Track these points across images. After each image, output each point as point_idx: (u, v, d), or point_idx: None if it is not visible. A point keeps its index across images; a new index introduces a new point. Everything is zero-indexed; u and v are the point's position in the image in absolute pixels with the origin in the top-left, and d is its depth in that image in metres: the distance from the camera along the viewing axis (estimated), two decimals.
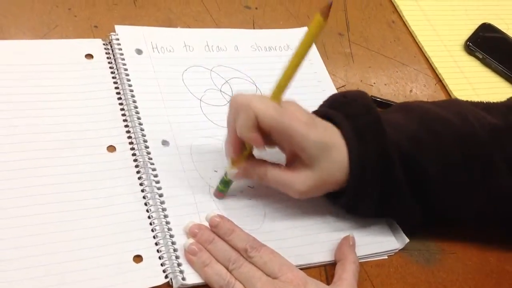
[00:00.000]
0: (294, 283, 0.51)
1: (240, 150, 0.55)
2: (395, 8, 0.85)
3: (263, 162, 0.56)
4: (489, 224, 0.61)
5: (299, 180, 0.54)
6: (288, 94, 0.61)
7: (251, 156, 0.56)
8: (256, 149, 0.54)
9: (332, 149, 0.53)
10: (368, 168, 0.54)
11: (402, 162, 0.55)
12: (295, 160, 0.55)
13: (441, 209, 0.58)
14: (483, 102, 0.64)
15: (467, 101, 0.64)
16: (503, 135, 0.58)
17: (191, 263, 0.52)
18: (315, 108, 0.60)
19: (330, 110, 0.56)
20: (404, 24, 0.83)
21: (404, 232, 0.60)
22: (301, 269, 0.55)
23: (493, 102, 0.64)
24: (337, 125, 0.55)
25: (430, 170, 0.55)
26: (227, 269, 0.52)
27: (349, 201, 0.56)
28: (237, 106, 0.52)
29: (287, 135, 0.52)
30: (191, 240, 0.53)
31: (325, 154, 0.53)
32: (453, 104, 0.62)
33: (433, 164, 0.56)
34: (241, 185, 0.59)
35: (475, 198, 0.57)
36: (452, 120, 0.58)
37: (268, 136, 0.53)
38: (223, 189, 0.57)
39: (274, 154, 0.57)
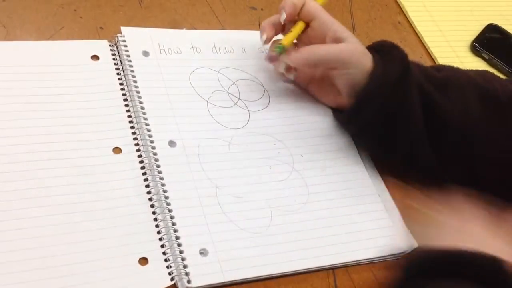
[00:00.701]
0: None
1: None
2: (401, 9, 0.84)
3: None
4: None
5: (344, 45, 0.62)
6: (299, 98, 0.61)
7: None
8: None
9: (362, 50, 0.63)
10: (384, 85, 0.60)
11: (424, 102, 0.61)
12: (332, 73, 0.64)
13: (456, 157, 0.61)
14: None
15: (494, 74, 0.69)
16: None
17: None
18: (324, 116, 0.67)
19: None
20: (410, 25, 0.83)
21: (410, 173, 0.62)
22: (307, 272, 0.55)
23: None
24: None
25: (450, 114, 0.61)
26: None
27: (358, 109, 0.62)
28: None
29: (328, 20, 0.63)
30: None
31: (364, 57, 0.62)
32: (482, 72, 0.69)
33: (455, 109, 0.61)
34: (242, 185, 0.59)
35: (491, 150, 0.61)
36: (478, 80, 0.64)
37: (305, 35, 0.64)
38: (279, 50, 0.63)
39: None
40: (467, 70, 0.68)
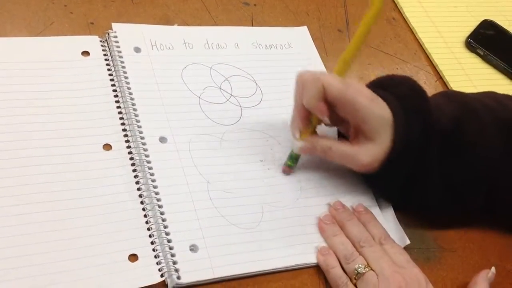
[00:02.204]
0: (419, 277, 0.53)
1: (307, 122, 0.59)
2: (396, 5, 0.84)
3: (328, 137, 0.60)
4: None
5: (363, 153, 0.56)
6: (291, 95, 0.61)
7: (315, 132, 0.60)
8: (321, 121, 0.58)
9: (390, 123, 0.56)
10: (409, 144, 0.56)
11: (441, 142, 0.57)
12: (358, 135, 0.57)
13: (474, 194, 0.59)
14: None
15: (501, 93, 0.66)
16: None
17: (322, 230, 0.58)
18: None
19: (379, 90, 0.58)
20: (405, 21, 0.82)
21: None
22: (297, 269, 0.55)
23: None
24: (387, 103, 0.57)
25: (469, 150, 0.58)
26: (356, 247, 0.56)
27: (381, 173, 0.57)
28: (304, 81, 0.56)
29: (352, 107, 0.55)
30: (326, 212, 0.59)
31: (385, 127, 0.55)
32: (491, 95, 0.65)
33: (473, 144, 0.58)
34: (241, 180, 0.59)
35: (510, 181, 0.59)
36: (492, 105, 0.60)
37: (332, 112, 0.56)
38: (292, 164, 0.61)
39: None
40: (477, 94, 0.64)
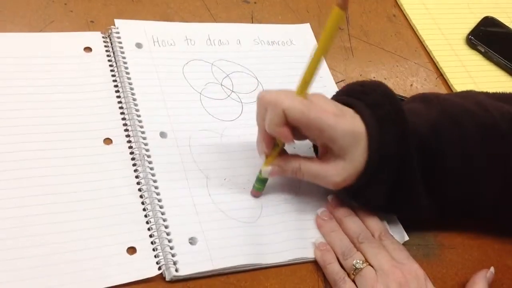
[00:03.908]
0: (418, 273, 0.53)
1: (272, 146, 0.55)
2: (396, 2, 0.84)
3: (296, 156, 0.56)
4: (501, 217, 0.60)
5: (334, 172, 0.54)
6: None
7: (283, 152, 0.56)
8: (286, 144, 0.55)
9: (361, 137, 0.53)
10: (385, 157, 0.53)
11: (420, 150, 0.55)
12: (327, 152, 0.55)
13: (455, 200, 0.58)
14: (497, 92, 0.64)
15: (482, 92, 0.64)
16: None
17: (319, 226, 0.58)
18: None
19: (350, 99, 0.55)
20: (405, 18, 0.82)
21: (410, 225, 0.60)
22: (296, 264, 0.55)
23: (508, 93, 0.64)
24: (358, 113, 0.54)
25: (449, 157, 0.56)
26: (354, 243, 0.55)
27: (362, 188, 0.55)
28: (264, 104, 0.52)
29: (316, 128, 0.52)
30: (323, 208, 0.58)
31: (356, 143, 0.52)
32: (471, 95, 0.62)
33: (453, 151, 0.56)
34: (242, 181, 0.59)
35: (491, 187, 0.57)
36: (472, 109, 0.58)
37: (297, 130, 0.53)
38: (259, 187, 0.58)
39: (304, 149, 0.60)
40: (457, 96, 0.62)
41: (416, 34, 0.81)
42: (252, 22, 0.74)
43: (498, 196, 0.58)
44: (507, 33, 0.83)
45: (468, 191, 0.57)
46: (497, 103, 0.60)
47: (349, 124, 0.52)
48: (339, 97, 0.57)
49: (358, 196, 0.56)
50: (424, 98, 0.61)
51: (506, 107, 0.59)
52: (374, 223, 0.58)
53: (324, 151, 0.55)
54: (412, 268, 0.54)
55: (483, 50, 0.80)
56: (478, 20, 0.84)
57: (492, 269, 0.58)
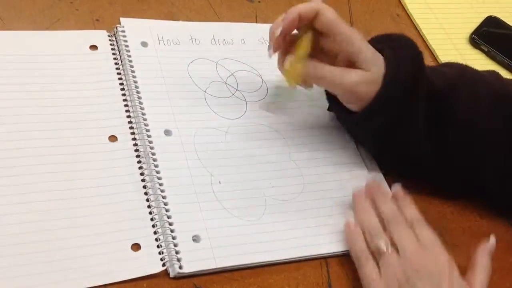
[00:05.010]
0: (443, 262, 0.51)
1: (291, 48, 0.59)
2: (400, 2, 0.84)
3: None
4: (506, 192, 0.61)
5: (353, 74, 0.57)
6: (296, 89, 0.61)
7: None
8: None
9: (382, 62, 0.57)
10: (396, 89, 0.57)
11: (432, 98, 0.58)
12: (348, 66, 0.59)
13: (459, 157, 0.60)
14: None
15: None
16: None
17: (355, 204, 0.58)
18: (321, 108, 0.66)
19: (376, 44, 0.59)
20: (409, 17, 0.83)
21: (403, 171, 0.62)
22: (300, 261, 0.55)
23: None
24: (382, 52, 0.58)
25: (459, 113, 0.59)
26: (384, 224, 0.55)
27: (367, 115, 0.58)
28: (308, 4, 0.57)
29: (347, 37, 0.57)
30: (361, 187, 0.59)
31: (378, 61, 0.57)
32: (495, 73, 0.66)
33: (464, 108, 0.59)
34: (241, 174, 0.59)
35: (497, 152, 0.59)
36: (490, 79, 0.62)
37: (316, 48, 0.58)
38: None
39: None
40: (484, 71, 0.66)
41: (419, 33, 0.81)
42: (256, 21, 0.75)
43: (503, 164, 0.59)
44: (510, 32, 0.83)
45: (473, 153, 0.59)
46: None
47: (373, 48, 0.58)
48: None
49: (361, 124, 0.60)
50: (448, 64, 0.66)
51: None
52: (411, 209, 0.57)
53: (345, 65, 0.59)
54: (438, 256, 0.52)
55: (486, 50, 0.81)
56: (482, 19, 0.84)
57: (492, 239, 0.56)
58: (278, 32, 0.57)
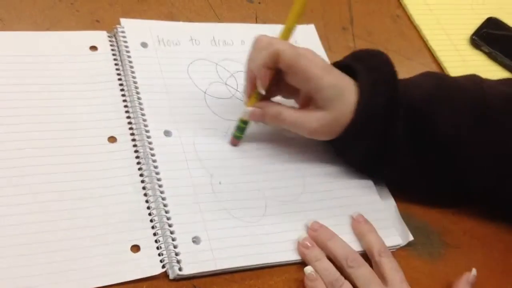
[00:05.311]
0: None
1: (255, 89, 0.58)
2: (400, 2, 0.84)
3: (277, 103, 0.59)
4: (497, 194, 0.60)
5: (313, 119, 0.57)
6: None
7: (266, 99, 0.59)
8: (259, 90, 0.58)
9: (345, 91, 0.56)
10: (374, 113, 0.56)
11: (411, 111, 0.57)
12: (308, 104, 0.59)
13: (444, 169, 0.59)
14: (504, 78, 0.65)
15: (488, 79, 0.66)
16: None
17: (302, 255, 0.55)
18: None
19: (351, 62, 0.59)
20: (409, 18, 0.83)
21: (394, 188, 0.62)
22: (301, 263, 0.55)
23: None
24: (355, 73, 0.58)
25: (440, 124, 0.58)
26: (342, 267, 0.53)
27: (347, 141, 0.58)
28: (260, 45, 0.56)
29: (304, 75, 0.56)
30: (305, 235, 0.56)
31: (339, 96, 0.56)
32: (474, 77, 0.64)
33: (444, 119, 0.58)
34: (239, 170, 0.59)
35: (482, 160, 0.58)
36: (467, 85, 0.61)
37: (283, 81, 0.57)
38: (239, 135, 0.60)
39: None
40: (460, 76, 0.64)
41: (419, 34, 0.81)
42: (256, 22, 0.75)
43: (489, 177, 0.59)
44: (510, 33, 0.83)
45: (459, 163, 0.58)
46: (495, 84, 0.62)
47: (335, 79, 0.56)
48: (342, 60, 0.61)
49: (342, 150, 0.60)
50: (425, 73, 0.64)
51: (502, 88, 0.61)
52: (375, 238, 0.56)
53: (305, 103, 0.59)
54: None
55: (487, 51, 0.81)
56: (482, 20, 0.84)
57: (474, 271, 0.56)
58: (263, 92, 0.58)
